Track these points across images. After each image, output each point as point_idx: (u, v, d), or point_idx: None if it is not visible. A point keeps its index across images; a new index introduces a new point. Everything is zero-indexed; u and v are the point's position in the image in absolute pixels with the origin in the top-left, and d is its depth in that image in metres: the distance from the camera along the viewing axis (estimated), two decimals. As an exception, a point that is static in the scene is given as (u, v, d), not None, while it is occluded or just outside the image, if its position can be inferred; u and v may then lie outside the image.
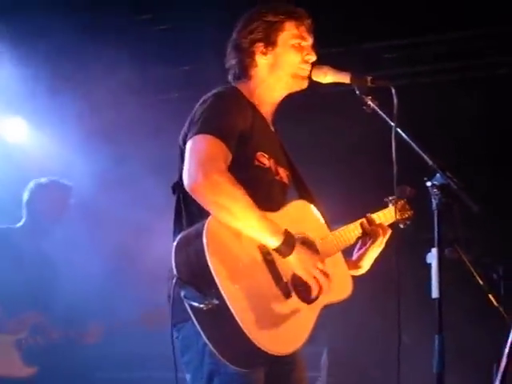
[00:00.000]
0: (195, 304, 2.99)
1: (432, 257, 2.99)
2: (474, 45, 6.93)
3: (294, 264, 3.17)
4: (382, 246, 3.69)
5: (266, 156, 3.43)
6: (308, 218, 3.52)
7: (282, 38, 3.53)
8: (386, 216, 3.79)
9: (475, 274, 3.93)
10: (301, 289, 3.24)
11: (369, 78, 3.35)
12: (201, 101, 3.39)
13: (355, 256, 3.73)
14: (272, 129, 3.63)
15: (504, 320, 3.79)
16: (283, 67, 3.53)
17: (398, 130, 3.17)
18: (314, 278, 3.19)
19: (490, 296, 3.96)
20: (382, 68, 7.12)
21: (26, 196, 5.94)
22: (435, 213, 3.01)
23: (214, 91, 3.42)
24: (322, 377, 5.56)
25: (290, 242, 3.15)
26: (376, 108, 3.29)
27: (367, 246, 3.70)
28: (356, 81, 3.38)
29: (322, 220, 3.57)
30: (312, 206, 3.56)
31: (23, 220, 5.92)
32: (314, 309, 3.32)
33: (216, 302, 2.95)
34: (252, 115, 3.41)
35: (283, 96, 3.62)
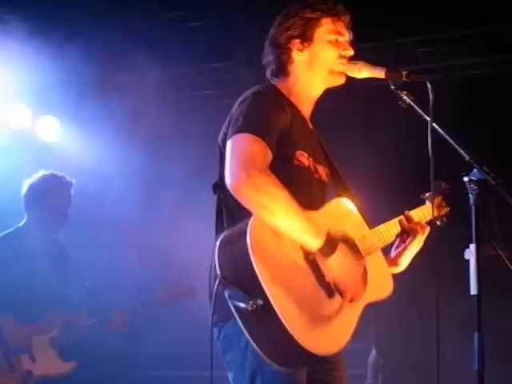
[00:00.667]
0: (240, 304, 2.99)
1: (470, 253, 2.96)
2: (507, 38, 6.88)
3: (335, 266, 3.17)
4: (421, 243, 3.66)
5: (306, 155, 3.40)
6: (348, 216, 3.49)
7: (319, 33, 3.51)
8: (424, 213, 3.75)
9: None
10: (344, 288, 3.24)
11: (404, 73, 3.31)
12: (240, 99, 3.38)
13: (393, 254, 3.70)
14: (310, 126, 3.61)
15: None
16: (320, 63, 3.51)
17: (434, 124, 3.13)
18: (349, 285, 3.20)
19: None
20: (416, 62, 7.08)
21: (25, 192, 5.86)
22: (472, 208, 2.98)
23: (253, 89, 3.40)
24: (371, 375, 5.54)
25: (331, 243, 3.15)
26: (412, 103, 3.25)
27: (406, 243, 3.67)
28: (391, 75, 3.34)
29: (361, 218, 3.55)
30: (351, 203, 3.54)
31: (25, 218, 5.84)
32: (356, 308, 3.31)
33: (261, 302, 2.94)
34: (291, 113, 3.39)
35: (321, 92, 3.60)
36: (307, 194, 3.33)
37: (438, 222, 3.86)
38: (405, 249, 3.67)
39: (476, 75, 7.13)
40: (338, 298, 3.21)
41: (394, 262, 3.68)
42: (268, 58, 3.60)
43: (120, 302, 5.92)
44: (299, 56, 3.52)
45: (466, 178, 3.01)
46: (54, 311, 5.61)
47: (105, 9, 6.18)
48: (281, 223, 3.08)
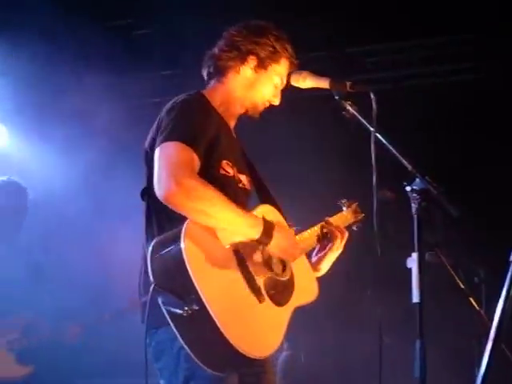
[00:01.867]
0: (174, 310, 2.99)
1: (412, 261, 2.99)
2: (457, 49, 6.97)
3: (275, 249, 3.29)
4: (341, 249, 3.78)
5: (230, 164, 3.44)
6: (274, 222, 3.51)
7: (273, 68, 3.55)
8: (341, 219, 3.92)
9: (456, 277, 3.92)
10: (273, 292, 3.31)
11: (348, 84, 3.33)
12: (167, 107, 3.38)
13: (314, 259, 3.80)
14: (234, 135, 3.64)
15: (485, 324, 3.79)
16: (256, 92, 3.57)
17: (378, 134, 3.16)
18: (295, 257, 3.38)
19: (471, 300, 3.95)
20: (365, 72, 7.14)
21: None
22: (415, 217, 3.01)
23: (180, 97, 3.41)
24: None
25: (269, 228, 3.24)
26: (355, 113, 3.28)
27: (326, 249, 3.77)
28: (335, 86, 3.37)
29: (285, 224, 3.60)
30: (276, 210, 3.59)
31: None
32: (286, 311, 3.39)
33: (196, 307, 2.96)
34: (218, 123, 3.43)
35: (242, 113, 3.63)
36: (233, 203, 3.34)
37: (355, 228, 4.06)
38: (325, 254, 3.77)
39: (425, 85, 7.20)
40: (268, 301, 3.26)
41: (314, 268, 3.77)
42: (215, 51, 3.60)
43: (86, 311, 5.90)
44: (248, 73, 3.55)
45: (408, 188, 3.04)
46: (19, 314, 5.55)
47: (53, 17, 6.14)
48: (218, 222, 3.14)
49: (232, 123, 3.61)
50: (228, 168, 3.42)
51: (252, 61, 3.53)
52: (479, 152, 6.61)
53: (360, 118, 3.26)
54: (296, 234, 3.59)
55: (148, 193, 3.35)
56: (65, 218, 7.14)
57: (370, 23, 6.48)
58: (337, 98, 3.34)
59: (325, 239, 3.77)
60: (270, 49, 3.52)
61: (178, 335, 3.03)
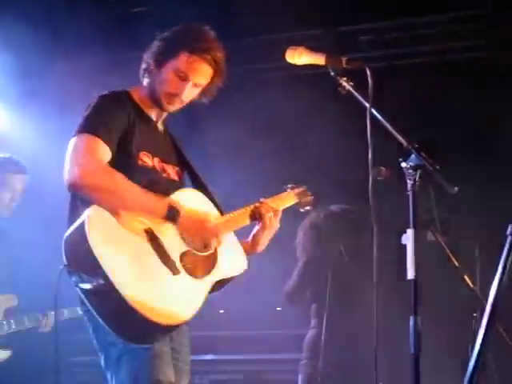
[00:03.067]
0: (83, 287, 3.17)
1: (407, 238, 2.98)
2: (450, 27, 6.95)
3: (184, 228, 3.41)
4: (275, 226, 3.87)
5: (149, 155, 3.56)
6: (197, 203, 3.63)
7: (172, 63, 3.59)
8: (282, 200, 4.04)
9: (451, 255, 3.93)
10: (190, 266, 3.43)
11: (344, 60, 3.31)
12: (87, 105, 3.50)
13: (250, 237, 3.90)
14: (160, 129, 3.75)
15: (479, 302, 3.79)
16: (157, 86, 3.63)
17: (373, 110, 3.15)
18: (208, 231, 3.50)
19: (466, 278, 3.96)
20: (358, 50, 7.12)
21: None
22: (410, 194, 3.00)
23: (99, 94, 3.53)
24: (307, 356, 5.58)
25: (175, 207, 3.38)
26: (351, 89, 3.27)
27: (259, 227, 3.85)
28: (331, 62, 3.35)
29: (212, 206, 3.73)
30: (201, 194, 3.72)
31: None
32: (206, 283, 3.51)
33: (101, 281, 3.09)
34: (133, 116, 3.54)
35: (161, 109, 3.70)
36: (154, 192, 3.43)
37: (302, 209, 4.26)
38: (258, 232, 3.86)
39: (418, 64, 7.18)
40: (183, 274, 3.38)
41: (250, 245, 3.88)
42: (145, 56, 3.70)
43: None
44: (153, 70, 3.63)
45: (403, 164, 3.03)
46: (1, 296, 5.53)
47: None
48: (122, 200, 3.29)
49: (160, 117, 3.73)
50: (146, 158, 3.53)
51: (154, 61, 3.63)
52: (475, 129, 6.62)
53: (356, 93, 3.25)
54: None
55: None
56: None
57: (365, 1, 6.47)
58: (332, 74, 3.32)
59: (257, 218, 3.85)
60: (165, 47, 3.61)
61: (92, 310, 3.20)
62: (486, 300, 2.73)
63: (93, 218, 3.19)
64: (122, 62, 6.96)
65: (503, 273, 2.37)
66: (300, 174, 4.62)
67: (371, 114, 3.15)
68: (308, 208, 4.27)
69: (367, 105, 3.16)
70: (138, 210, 3.32)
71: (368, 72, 3.17)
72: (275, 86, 6.91)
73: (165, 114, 3.74)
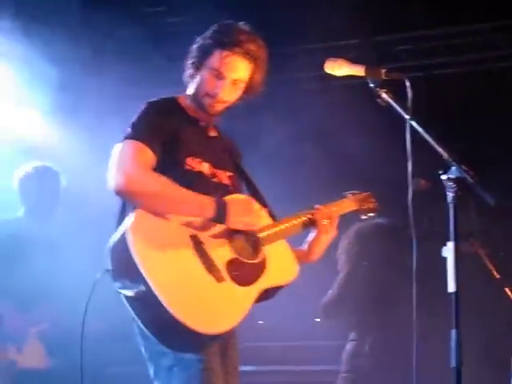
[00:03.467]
0: (126, 293, 3.17)
1: (448, 250, 2.96)
2: (487, 37, 6.92)
3: (235, 224, 3.38)
4: (331, 233, 3.79)
5: (198, 160, 3.52)
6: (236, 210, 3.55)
7: (208, 62, 3.55)
8: (339, 206, 3.94)
9: (491, 267, 3.90)
10: (237, 273, 3.36)
11: (383, 71, 3.30)
12: (136, 112, 3.51)
13: (305, 244, 3.83)
14: (211, 134, 3.71)
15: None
16: (198, 90, 3.59)
17: (413, 122, 3.13)
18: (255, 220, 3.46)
19: (507, 290, 3.93)
20: (395, 60, 7.12)
21: (18, 184, 5.87)
22: (451, 206, 2.98)
23: (147, 101, 3.54)
24: (345, 369, 5.54)
25: (223, 205, 3.34)
26: (390, 101, 3.24)
27: (315, 234, 3.79)
28: (370, 73, 3.33)
29: (265, 214, 3.66)
30: (253, 200, 3.62)
31: (22, 209, 5.86)
32: (251, 292, 3.42)
33: (143, 288, 3.07)
34: (180, 122, 3.53)
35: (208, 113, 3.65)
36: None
37: (363, 216, 4.10)
38: (314, 239, 3.79)
39: (457, 73, 7.15)
40: (228, 281, 3.32)
41: (305, 253, 3.81)
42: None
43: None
44: (192, 75, 3.61)
45: (444, 176, 3.02)
46: (46, 305, 5.57)
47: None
48: (168, 203, 3.27)
49: (210, 122, 3.69)
50: (194, 164, 3.50)
51: (191, 65, 3.60)
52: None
53: (395, 105, 3.23)
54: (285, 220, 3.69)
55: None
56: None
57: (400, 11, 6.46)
58: (372, 85, 3.31)
59: (314, 225, 3.78)
60: (200, 45, 3.58)
61: (136, 317, 3.18)
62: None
63: (135, 224, 3.19)
64: (156, 72, 7.07)
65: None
66: (340, 183, 4.55)
67: (411, 125, 3.14)
68: (371, 214, 4.13)
69: (407, 117, 3.15)
70: (186, 212, 3.31)
71: (407, 83, 3.16)
72: (313, 95, 6.93)
73: (214, 119, 3.70)
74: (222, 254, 3.36)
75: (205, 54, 3.55)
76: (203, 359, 3.28)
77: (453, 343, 2.86)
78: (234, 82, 3.55)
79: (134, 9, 6.85)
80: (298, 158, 6.94)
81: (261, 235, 3.53)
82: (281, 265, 3.60)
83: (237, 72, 3.54)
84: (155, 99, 3.55)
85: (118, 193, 3.28)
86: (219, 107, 3.59)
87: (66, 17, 6.42)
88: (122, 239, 3.17)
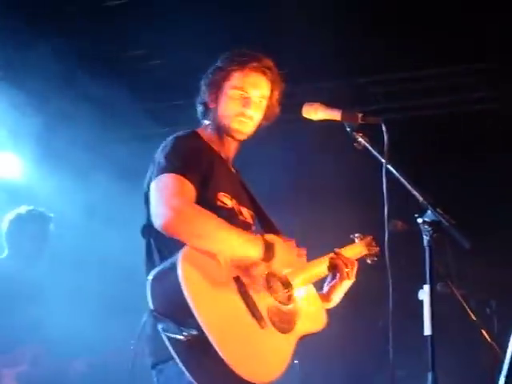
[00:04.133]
0: (174, 336, 2.99)
1: (424, 293, 2.98)
2: (463, 79, 7.00)
3: (280, 264, 3.34)
4: (352, 279, 3.77)
5: (228, 196, 3.47)
6: (278, 251, 3.49)
7: (226, 86, 3.56)
8: (353, 250, 3.95)
9: (468, 309, 3.91)
10: (276, 319, 3.30)
11: (359, 115, 3.34)
12: (162, 145, 3.44)
13: (325, 289, 3.79)
14: (233, 170, 3.69)
15: (498, 356, 3.77)
16: (222, 116, 3.56)
17: (389, 166, 3.16)
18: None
19: (483, 331, 3.93)
20: (372, 103, 7.18)
21: (4, 228, 5.90)
22: (427, 249, 3.00)
23: (173, 135, 3.47)
24: None
25: (269, 247, 3.30)
26: (367, 145, 3.28)
27: (337, 279, 3.76)
28: (347, 117, 3.37)
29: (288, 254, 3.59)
30: (280, 240, 3.56)
31: (6, 251, 5.86)
32: (290, 339, 3.37)
33: (195, 332, 2.95)
34: (211, 157, 3.47)
35: (234, 142, 3.64)
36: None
37: (369, 261, 4.09)
38: (335, 284, 3.76)
39: (433, 116, 7.22)
40: (270, 328, 3.25)
41: (326, 298, 3.77)
42: (198, 98, 3.67)
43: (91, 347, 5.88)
44: (212, 104, 3.58)
45: (419, 220, 3.04)
46: (26, 346, 5.53)
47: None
48: (218, 244, 3.17)
49: (230, 157, 3.66)
50: (225, 199, 3.45)
51: (210, 95, 3.58)
52: (490, 184, 6.62)
53: (371, 149, 3.27)
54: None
55: (148, 230, 3.37)
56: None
57: (380, 53, 6.52)
58: (348, 129, 3.34)
59: (334, 269, 3.76)
60: (217, 72, 3.57)
61: (181, 364, 3.01)
62: (504, 354, 2.72)
63: (186, 262, 3.06)
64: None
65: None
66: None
67: (387, 169, 3.17)
68: (375, 259, 4.10)
69: (383, 160, 3.18)
70: (232, 252, 3.21)
71: (384, 128, 3.19)
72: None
73: (232, 154, 3.66)
74: (262, 297, 3.28)
75: (223, 78, 3.55)
76: None
77: (429, 386, 2.87)
78: (258, 100, 3.57)
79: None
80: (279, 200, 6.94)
81: (292, 279, 3.48)
82: (312, 311, 3.57)
83: (260, 88, 3.57)
84: (180, 134, 3.48)
85: (165, 230, 3.13)
86: (248, 128, 3.57)
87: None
88: (172, 277, 3.02)
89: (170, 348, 3.02)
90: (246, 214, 3.59)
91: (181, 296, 2.98)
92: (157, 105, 7.67)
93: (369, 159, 3.27)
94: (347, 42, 6.42)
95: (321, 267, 3.73)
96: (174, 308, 3.04)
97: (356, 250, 4.00)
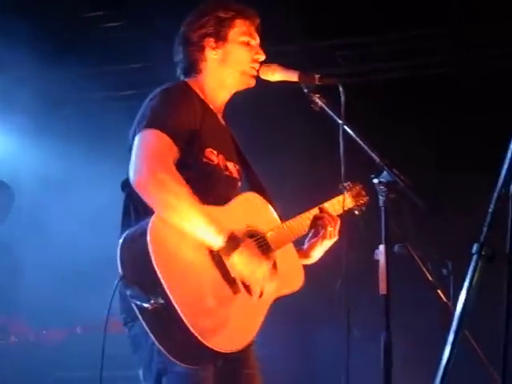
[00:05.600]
0: (141, 304, 2.98)
1: (380, 253, 3.00)
2: (425, 43, 7.02)
3: (239, 262, 3.17)
4: (334, 237, 3.67)
5: (215, 152, 3.40)
6: (258, 210, 3.52)
7: (232, 34, 3.53)
8: (340, 203, 3.73)
9: (424, 269, 3.95)
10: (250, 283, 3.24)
11: (317, 76, 3.34)
12: (149, 97, 3.37)
13: (306, 245, 3.72)
14: (223, 123, 3.62)
15: (453, 316, 3.81)
16: (232, 64, 3.52)
17: (346, 127, 3.17)
18: (256, 279, 3.22)
19: (439, 292, 3.98)
20: (334, 66, 7.18)
21: None
22: (382, 210, 3.03)
23: (162, 87, 3.40)
24: None
25: (234, 240, 3.16)
26: (323, 106, 3.29)
27: (318, 236, 3.68)
28: (304, 79, 3.37)
29: (272, 211, 3.57)
30: (262, 197, 3.55)
31: None
32: (264, 303, 3.33)
33: (161, 301, 2.94)
34: (201, 110, 3.39)
35: (232, 93, 3.60)
36: (215, 191, 3.34)
37: (356, 212, 3.91)
38: (317, 241, 3.68)
39: (394, 79, 7.23)
40: (244, 293, 3.21)
41: (305, 254, 3.70)
42: (179, 55, 3.59)
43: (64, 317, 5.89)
44: (212, 54, 3.52)
45: (375, 180, 3.06)
46: None
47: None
48: (183, 221, 3.09)
49: (220, 110, 3.61)
50: (212, 156, 3.39)
51: (209, 42, 3.52)
52: (449, 146, 6.66)
53: (328, 110, 3.27)
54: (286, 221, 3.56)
55: (127, 184, 3.29)
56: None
57: (340, 17, 6.51)
58: (306, 90, 3.35)
59: (317, 226, 3.68)
60: (216, 21, 3.52)
61: (147, 328, 3.02)
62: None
63: (156, 229, 3.03)
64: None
65: (469, 290, 2.40)
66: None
67: (344, 130, 3.18)
68: (363, 209, 3.91)
69: (340, 121, 3.19)
70: (198, 235, 3.11)
71: (341, 89, 3.19)
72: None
73: (223, 106, 3.60)
74: (234, 262, 3.18)
75: (227, 26, 3.51)
76: (196, 373, 3.14)
77: (383, 345, 2.90)
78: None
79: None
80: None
81: (270, 239, 3.44)
82: (289, 271, 3.51)
83: (258, 35, 3.60)
84: (169, 86, 3.42)
85: (138, 188, 3.09)
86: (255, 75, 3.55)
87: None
88: (141, 244, 2.99)
89: (138, 314, 3.03)
90: (233, 168, 3.53)
91: (149, 264, 2.96)
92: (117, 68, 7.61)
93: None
94: (309, 3, 6.44)
95: (302, 224, 3.64)
96: (141, 276, 3.02)
97: (341, 202, 3.73)
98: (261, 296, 3.26)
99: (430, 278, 4.00)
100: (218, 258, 3.16)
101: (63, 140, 7.30)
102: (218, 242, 3.13)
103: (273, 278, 3.32)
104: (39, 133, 7.28)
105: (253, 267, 3.20)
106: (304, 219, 3.67)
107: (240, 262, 3.17)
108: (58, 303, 6.21)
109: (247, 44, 3.54)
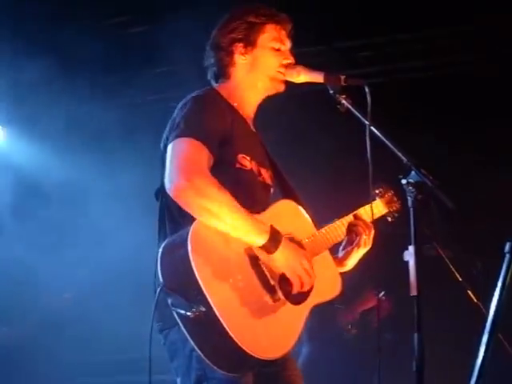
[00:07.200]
0: (182, 312, 2.99)
1: (409, 254, 2.97)
2: (445, 42, 6.98)
3: (279, 261, 3.18)
4: (369, 245, 3.65)
5: (248, 158, 3.40)
6: (294, 217, 3.50)
7: (262, 39, 3.52)
8: (373, 210, 3.69)
9: (454, 270, 3.92)
10: (289, 290, 3.25)
11: (342, 77, 3.32)
12: (180, 104, 3.38)
13: (341, 254, 3.70)
14: (253, 130, 3.62)
15: (484, 316, 3.78)
16: (261, 69, 3.52)
17: (372, 128, 3.15)
18: (298, 276, 3.21)
19: (469, 292, 3.95)
20: (357, 67, 7.16)
21: None
22: (411, 210, 3.00)
23: (192, 94, 3.40)
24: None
25: (275, 238, 3.17)
26: (350, 107, 3.26)
27: (353, 244, 3.66)
28: (329, 80, 3.35)
29: (308, 219, 3.55)
30: (297, 205, 3.54)
31: None
32: (303, 310, 3.33)
33: (203, 309, 2.95)
34: (231, 117, 3.39)
35: (261, 98, 3.60)
36: (251, 197, 3.34)
37: (390, 218, 3.88)
38: (352, 250, 3.66)
39: (415, 79, 7.20)
40: (282, 300, 3.22)
41: (340, 262, 3.67)
42: (209, 60, 3.60)
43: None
44: (241, 59, 3.52)
45: (403, 181, 3.03)
46: None
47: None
48: (224, 224, 3.09)
49: (250, 115, 3.60)
50: (245, 162, 3.39)
51: (238, 48, 3.52)
52: (475, 145, 6.61)
53: (354, 111, 3.25)
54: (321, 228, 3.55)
55: (162, 193, 3.31)
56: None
57: (361, 17, 6.49)
58: (331, 92, 3.32)
59: (351, 233, 3.66)
60: (246, 26, 3.51)
61: (188, 336, 3.03)
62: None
63: (197, 238, 3.04)
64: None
65: (502, 290, 2.37)
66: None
67: (370, 131, 3.15)
68: (396, 216, 3.86)
69: (366, 122, 3.17)
70: (241, 236, 3.12)
71: (367, 89, 3.18)
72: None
73: (253, 113, 3.60)
74: (274, 268, 3.21)
75: (258, 31, 3.51)
76: (236, 379, 3.13)
77: (415, 347, 2.87)
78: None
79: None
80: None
81: (306, 246, 3.42)
82: (326, 279, 3.48)
83: (290, 41, 3.60)
84: (200, 93, 3.41)
85: (176, 197, 3.09)
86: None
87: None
88: (183, 254, 3.00)
89: (179, 322, 3.04)
90: (266, 175, 3.53)
91: (190, 273, 2.98)
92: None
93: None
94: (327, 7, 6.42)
95: (337, 231, 3.61)
96: (183, 284, 3.03)
97: (376, 209, 3.73)
98: (306, 291, 3.26)
99: (460, 279, 3.96)
100: (257, 265, 3.17)
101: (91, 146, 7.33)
102: (260, 239, 3.14)
103: (313, 276, 3.29)
104: (68, 138, 7.32)
105: (293, 264, 3.21)
106: (339, 226, 3.65)
107: (282, 257, 3.18)
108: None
109: (277, 49, 3.53)
